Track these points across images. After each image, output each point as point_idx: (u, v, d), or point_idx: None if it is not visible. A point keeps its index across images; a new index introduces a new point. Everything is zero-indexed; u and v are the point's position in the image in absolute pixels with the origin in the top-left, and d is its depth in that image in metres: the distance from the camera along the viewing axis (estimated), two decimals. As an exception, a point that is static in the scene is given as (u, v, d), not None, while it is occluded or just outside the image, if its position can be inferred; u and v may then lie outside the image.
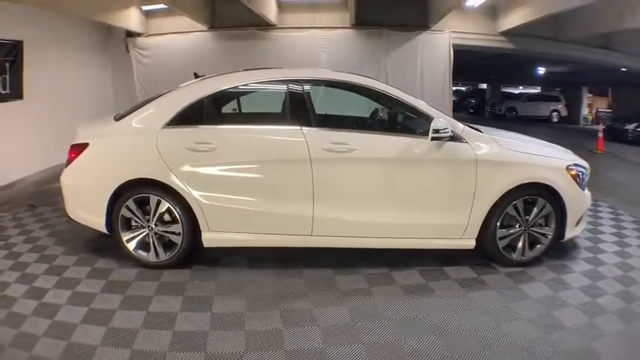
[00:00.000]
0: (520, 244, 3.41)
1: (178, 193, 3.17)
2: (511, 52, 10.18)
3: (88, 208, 3.40)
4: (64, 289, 3.00)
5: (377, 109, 4.11)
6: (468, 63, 14.15)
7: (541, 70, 19.48)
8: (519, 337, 2.51)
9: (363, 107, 4.31)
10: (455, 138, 3.18)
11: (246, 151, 3.20)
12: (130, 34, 8.42)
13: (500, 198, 3.23)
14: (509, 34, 9.51)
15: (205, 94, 3.36)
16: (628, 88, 17.21)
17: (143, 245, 3.33)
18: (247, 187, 3.20)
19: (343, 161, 3.11)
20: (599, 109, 24.02)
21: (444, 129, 3.05)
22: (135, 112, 3.42)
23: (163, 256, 3.30)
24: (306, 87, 3.32)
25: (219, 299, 2.90)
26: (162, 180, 3.18)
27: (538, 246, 3.45)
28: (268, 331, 2.53)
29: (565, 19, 7.89)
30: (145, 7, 7.96)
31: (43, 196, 5.31)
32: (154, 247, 3.29)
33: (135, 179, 3.22)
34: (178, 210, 3.21)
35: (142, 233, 3.31)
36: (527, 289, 3.11)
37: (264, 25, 8.78)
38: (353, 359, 2.28)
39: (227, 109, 3.89)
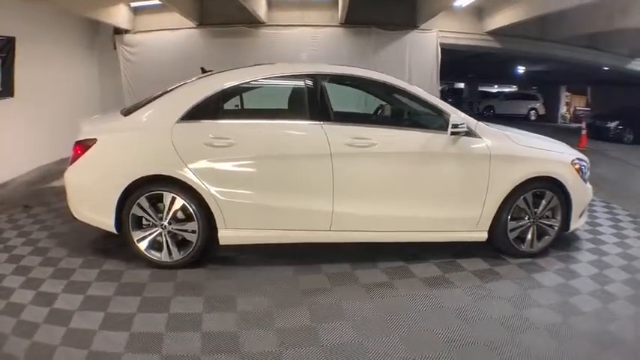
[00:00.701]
0: (529, 236, 3.58)
1: (194, 189, 3.16)
2: (497, 51, 10.54)
3: (95, 207, 3.34)
4: (74, 293, 2.92)
5: (381, 104, 4.25)
6: (446, 62, 14.52)
7: (521, 69, 20.16)
8: (542, 322, 2.67)
9: (364, 101, 4.43)
10: (469, 133, 3.32)
11: (266, 146, 3.24)
12: (118, 31, 8.36)
13: (511, 191, 3.40)
14: (495, 33, 9.85)
15: (221, 87, 3.37)
16: (606, 87, 18.03)
17: (155, 245, 3.29)
18: (266, 182, 3.24)
19: (363, 156, 3.20)
20: (577, 108, 25.02)
21: (461, 124, 3.20)
22: (146, 107, 3.38)
23: (177, 255, 3.27)
24: (325, 82, 3.38)
25: (242, 298, 2.91)
26: (178, 176, 3.16)
27: (545, 237, 3.64)
28: (300, 328, 2.57)
29: (552, 19, 8.26)
30: (134, 4, 7.91)
31: (36, 196, 5.21)
32: (168, 246, 3.26)
33: (148, 176, 3.18)
34: (194, 207, 3.19)
35: (154, 232, 3.27)
36: (540, 278, 3.29)
37: (253, 22, 8.85)
38: (392, 350, 2.36)
39: (244, 103, 3.91)
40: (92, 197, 3.35)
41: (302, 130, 3.30)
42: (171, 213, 3.23)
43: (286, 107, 3.67)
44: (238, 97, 3.86)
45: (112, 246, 3.60)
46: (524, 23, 8.63)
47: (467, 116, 3.39)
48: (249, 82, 3.51)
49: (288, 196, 3.23)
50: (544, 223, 3.61)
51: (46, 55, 6.42)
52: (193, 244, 3.25)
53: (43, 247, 3.68)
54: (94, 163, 3.29)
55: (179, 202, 3.20)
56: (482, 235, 3.49)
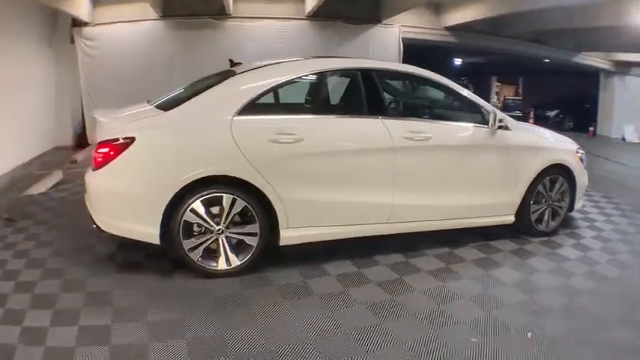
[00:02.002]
0: (546, 217, 4.29)
1: (258, 189, 3.17)
2: (453, 46, 11.58)
3: (135, 216, 3.13)
4: (129, 321, 2.67)
5: (392, 99, 4.70)
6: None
7: (457, 62, 21.90)
8: (585, 288, 3.34)
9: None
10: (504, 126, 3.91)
11: (331, 141, 3.40)
12: (76, 24, 8.04)
13: (535, 177, 4.05)
14: (452, 29, 10.83)
15: (278, 81, 3.44)
16: (536, 77, 20.27)
17: (209, 253, 3.22)
18: (332, 178, 3.40)
19: (420, 149, 3.58)
20: (507, 97, 27.63)
21: (503, 119, 3.78)
22: (192, 100, 3.29)
23: (236, 261, 3.25)
24: (380, 77, 3.69)
25: (337, 299, 3.02)
26: (241, 176, 3.13)
27: (557, 217, 4.37)
28: (429, 312, 2.89)
29: (509, 16, 9.25)
30: (94, -5, 7.66)
31: (15, 207, 4.89)
32: (226, 252, 3.23)
33: (202, 178, 3.07)
34: (256, 208, 3.21)
35: (209, 239, 3.19)
36: (563, 252, 3.99)
37: (218, 14, 8.92)
38: (516, 316, 2.86)
39: (302, 97, 4.07)
40: (131, 205, 3.14)
41: (365, 124, 3.53)
42: (230, 216, 3.18)
43: (343, 101, 3.87)
44: (298, 90, 3.99)
45: (136, 259, 3.51)
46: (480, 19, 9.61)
47: (501, 112, 3.97)
48: (301, 76, 3.60)
49: (351, 191, 3.45)
50: (556, 205, 4.33)
51: (3, 52, 6.05)
52: (254, 248, 3.25)
53: (55, 269, 3.37)
54: (133, 164, 3.10)
55: (240, 204, 3.17)
56: (511, 219, 4.12)
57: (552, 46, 12.12)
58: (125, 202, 3.14)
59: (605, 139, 14.58)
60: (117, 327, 2.62)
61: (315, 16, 9.51)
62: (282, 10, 9.59)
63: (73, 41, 8.19)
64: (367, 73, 3.64)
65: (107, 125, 3.27)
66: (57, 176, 6.11)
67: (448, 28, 10.87)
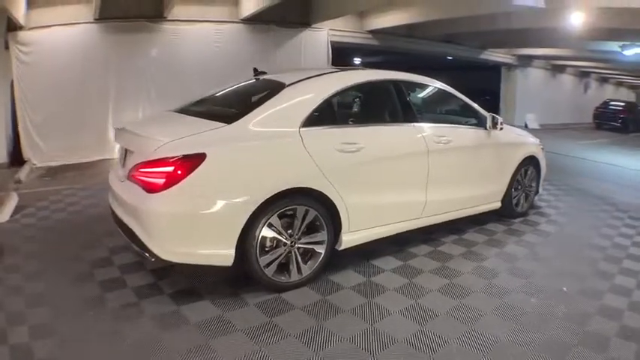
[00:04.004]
0: (521, 201, 5.27)
1: (327, 197, 3.39)
2: (375, 47, 12.57)
3: (210, 238, 3.03)
4: None
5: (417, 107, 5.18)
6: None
7: (357, 61, 23.39)
8: (583, 255, 4.26)
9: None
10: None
11: (384, 148, 3.80)
12: (11, 29, 7.25)
13: (516, 168, 4.98)
14: (374, 32, 11.82)
15: (332, 92, 3.67)
16: (434, 74, 22.44)
17: (281, 266, 3.31)
18: (384, 181, 3.79)
19: (445, 151, 4.20)
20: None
21: (502, 121, 4.57)
22: (255, 111, 3.33)
23: (307, 270, 3.41)
24: (407, 87, 4.21)
25: (410, 290, 3.43)
26: (316, 187, 3.32)
27: (528, 200, 5.39)
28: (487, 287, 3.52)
29: (427, 21, 10.41)
30: (27, -5, 6.96)
31: None
32: (297, 263, 3.36)
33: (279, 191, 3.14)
34: (324, 216, 3.41)
35: (283, 252, 3.28)
36: (544, 228, 4.99)
37: (153, 16, 8.73)
38: (533, 289, 3.55)
39: (350, 107, 4.41)
40: (207, 227, 3.02)
41: (405, 131, 4.04)
42: (302, 227, 3.33)
43: (384, 110, 4.22)
44: (346, 100, 4.35)
45: (186, 285, 3.40)
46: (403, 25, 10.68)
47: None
48: (348, 87, 3.91)
49: (397, 191, 3.93)
50: (528, 190, 5.33)
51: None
52: (322, 255, 3.47)
53: (95, 316, 3.00)
54: (208, 183, 3.00)
55: (312, 214, 3.35)
56: (498, 204, 4.99)
57: (461, 45, 13.87)
58: (199, 225, 3.01)
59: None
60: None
61: (252, 20, 9.72)
62: (216, 14, 9.64)
63: (7, 47, 7.50)
64: (398, 84, 4.17)
65: (153, 141, 3.08)
66: (13, 199, 5.58)
67: (370, 31, 11.83)
